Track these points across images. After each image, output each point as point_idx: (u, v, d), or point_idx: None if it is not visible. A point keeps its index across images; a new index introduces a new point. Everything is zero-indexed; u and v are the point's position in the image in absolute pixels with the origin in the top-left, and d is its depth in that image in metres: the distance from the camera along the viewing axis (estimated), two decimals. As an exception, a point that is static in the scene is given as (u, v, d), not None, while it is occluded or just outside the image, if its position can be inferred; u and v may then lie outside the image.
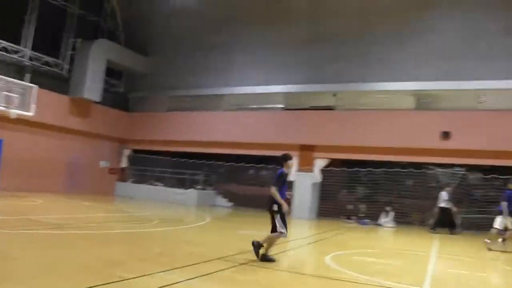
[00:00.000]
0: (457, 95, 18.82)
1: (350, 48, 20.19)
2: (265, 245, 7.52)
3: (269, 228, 7.59)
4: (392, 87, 19.54)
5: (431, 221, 17.21)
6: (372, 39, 19.94)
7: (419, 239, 14.42)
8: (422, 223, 18.39)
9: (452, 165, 18.86)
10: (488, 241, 11.93)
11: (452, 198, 16.88)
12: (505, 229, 11.98)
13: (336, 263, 7.90)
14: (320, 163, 19.73)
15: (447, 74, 18.70)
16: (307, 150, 19.82)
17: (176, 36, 24.39)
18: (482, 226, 17.12)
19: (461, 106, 18.58)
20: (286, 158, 7.81)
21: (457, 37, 19.00)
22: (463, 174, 18.97)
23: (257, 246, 7.48)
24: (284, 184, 7.66)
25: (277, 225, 7.43)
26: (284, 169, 7.73)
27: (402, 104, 19.51)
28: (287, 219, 7.67)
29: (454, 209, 16.68)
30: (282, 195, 7.48)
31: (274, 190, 7.42)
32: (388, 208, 18.47)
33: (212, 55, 23.12)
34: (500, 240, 12.18)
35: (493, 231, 12.14)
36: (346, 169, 19.80)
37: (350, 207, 19.86)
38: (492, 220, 12.38)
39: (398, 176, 19.04)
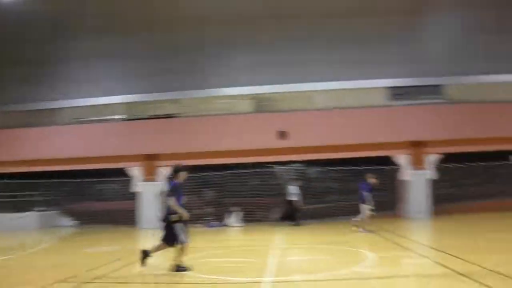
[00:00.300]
0: (291, 97, 20.21)
1: (188, 56, 20.48)
2: (174, 258, 7.77)
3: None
4: (231, 92, 20.40)
5: (279, 215, 18.17)
6: (208, 48, 20.54)
7: (265, 235, 15.20)
8: (269, 219, 19.26)
9: (292, 162, 20.11)
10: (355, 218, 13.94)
11: (298, 192, 17.99)
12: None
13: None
14: (164, 171, 19.55)
15: (281, 78, 20.04)
16: (150, 160, 19.59)
17: (5, 46, 22.39)
18: (322, 215, 18.72)
19: (296, 107, 19.95)
20: (178, 170, 8.05)
21: (290, 44, 20.34)
22: (303, 169, 20.35)
23: (143, 252, 7.79)
24: (180, 195, 7.84)
25: (178, 234, 7.61)
26: (176, 181, 7.92)
27: (242, 108, 20.35)
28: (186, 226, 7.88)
29: (299, 201, 17.75)
30: (180, 205, 7.74)
31: (172, 201, 7.67)
32: (233, 209, 19.01)
33: (48, 66, 21.48)
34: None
35: (364, 216, 13.70)
36: (192, 174, 19.85)
37: (197, 211, 20.00)
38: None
39: (244, 177, 19.80)
